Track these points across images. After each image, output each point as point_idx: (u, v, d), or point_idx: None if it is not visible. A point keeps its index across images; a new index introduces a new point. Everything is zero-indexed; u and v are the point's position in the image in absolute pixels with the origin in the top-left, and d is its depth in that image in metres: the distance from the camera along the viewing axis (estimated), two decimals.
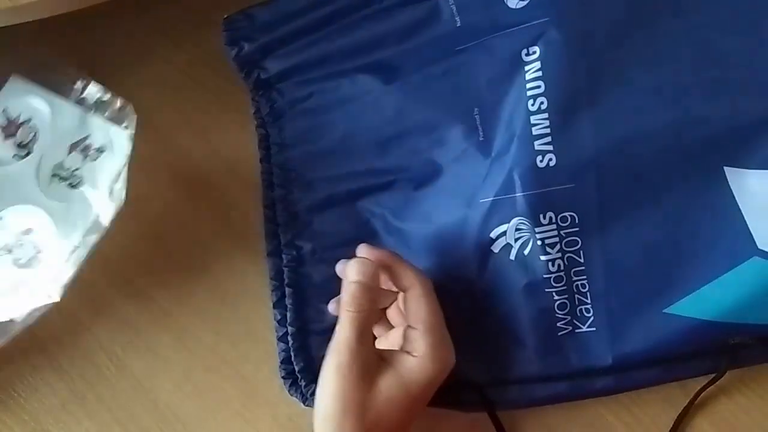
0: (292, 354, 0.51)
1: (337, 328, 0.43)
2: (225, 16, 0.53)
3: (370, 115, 0.52)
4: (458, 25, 0.50)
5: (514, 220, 0.47)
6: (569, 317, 0.47)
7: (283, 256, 0.52)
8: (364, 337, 0.43)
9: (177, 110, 0.58)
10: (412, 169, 0.51)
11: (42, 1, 0.47)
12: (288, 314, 0.51)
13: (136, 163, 0.57)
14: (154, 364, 0.54)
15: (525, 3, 0.47)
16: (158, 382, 0.54)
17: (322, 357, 0.44)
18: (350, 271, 0.44)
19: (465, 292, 0.49)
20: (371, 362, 0.43)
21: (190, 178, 0.57)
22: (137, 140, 0.57)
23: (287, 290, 0.52)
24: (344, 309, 0.43)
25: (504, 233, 0.47)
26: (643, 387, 0.49)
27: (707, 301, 0.45)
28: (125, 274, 0.56)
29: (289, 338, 0.51)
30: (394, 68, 0.52)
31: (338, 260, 0.48)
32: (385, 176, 0.52)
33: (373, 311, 0.44)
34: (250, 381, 0.54)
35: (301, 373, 0.50)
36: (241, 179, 0.56)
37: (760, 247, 0.44)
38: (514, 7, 0.48)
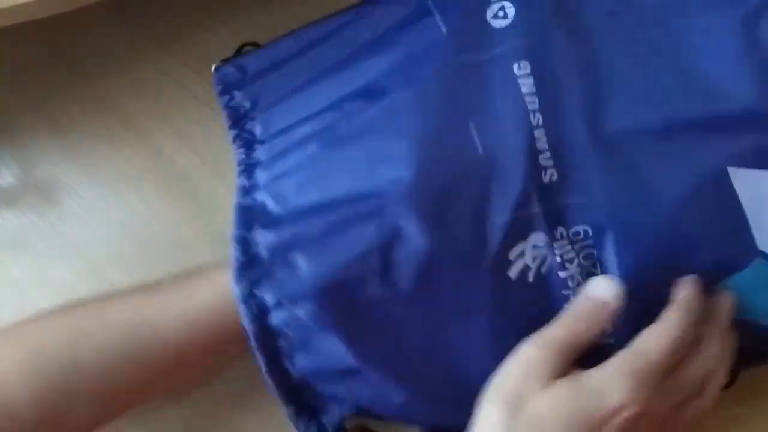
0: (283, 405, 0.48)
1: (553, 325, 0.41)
2: (214, 66, 0.51)
3: (356, 136, 0.47)
4: (444, 32, 0.48)
5: (532, 237, 0.45)
6: None
7: (242, 308, 0.46)
8: (567, 354, 0.39)
9: (161, 114, 0.57)
10: None
11: (24, 5, 0.47)
12: (265, 371, 0.47)
13: (120, 166, 0.57)
14: None
15: (508, 22, 0.47)
16: None
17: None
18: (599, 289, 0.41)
19: (481, 329, 0.46)
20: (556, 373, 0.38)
21: (175, 181, 0.57)
22: (122, 144, 0.57)
23: (255, 350, 0.46)
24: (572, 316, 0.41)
25: (523, 253, 0.45)
26: None
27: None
28: (109, 278, 0.55)
29: (276, 390, 0.47)
30: (382, 88, 0.48)
31: (314, 316, 0.45)
32: (371, 203, 0.46)
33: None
34: (239, 390, 0.53)
35: (298, 416, 0.49)
36: (226, 183, 0.55)
37: (760, 248, 0.44)
38: (497, 26, 0.47)
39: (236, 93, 0.51)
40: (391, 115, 0.47)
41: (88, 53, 0.58)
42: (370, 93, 0.49)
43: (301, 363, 0.47)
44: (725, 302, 0.42)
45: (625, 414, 0.36)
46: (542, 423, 0.36)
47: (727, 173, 0.44)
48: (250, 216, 0.47)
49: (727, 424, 0.50)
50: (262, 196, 0.48)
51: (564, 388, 0.37)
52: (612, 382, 0.37)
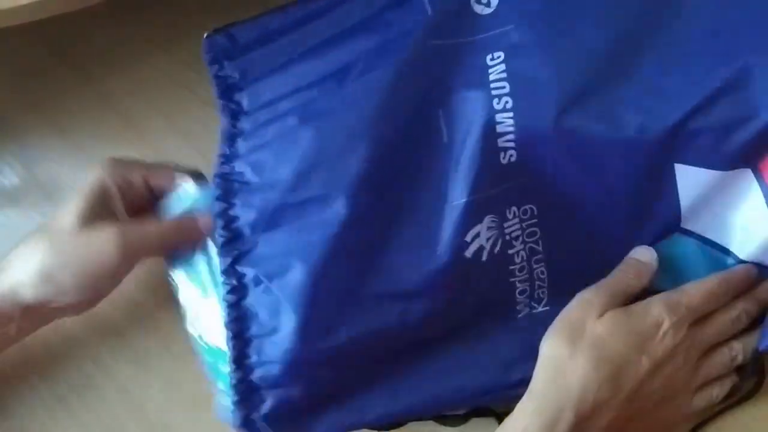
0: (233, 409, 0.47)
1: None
2: (206, 34, 0.51)
3: (331, 113, 0.48)
4: (429, 14, 0.48)
5: (487, 219, 0.47)
6: (528, 300, 0.49)
7: (223, 285, 0.47)
8: (618, 297, 0.45)
9: (163, 115, 0.57)
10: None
11: (24, 6, 0.47)
12: (229, 360, 0.46)
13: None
14: (142, 371, 0.54)
15: (491, 10, 0.48)
16: (146, 389, 0.53)
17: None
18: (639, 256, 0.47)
19: (434, 309, 0.47)
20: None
21: None
22: (124, 143, 0.57)
23: (226, 332, 0.46)
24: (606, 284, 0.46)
25: (478, 234, 0.47)
26: None
27: None
28: None
29: (232, 389, 0.46)
30: (361, 67, 0.49)
31: (291, 293, 0.45)
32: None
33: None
34: None
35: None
36: None
37: (682, 225, 0.48)
38: (480, 13, 0.48)
39: (226, 63, 0.51)
40: (364, 95, 0.48)
41: (90, 54, 0.58)
42: (349, 71, 0.49)
43: (268, 351, 0.46)
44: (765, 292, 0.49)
45: (662, 329, 0.44)
46: (601, 342, 0.43)
47: (673, 168, 0.46)
48: (229, 186, 0.48)
49: None
50: (241, 166, 0.49)
51: (616, 314, 0.44)
52: (653, 306, 0.45)
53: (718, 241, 0.49)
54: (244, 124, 0.50)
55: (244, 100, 0.50)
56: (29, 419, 0.53)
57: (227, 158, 0.49)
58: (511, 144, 0.46)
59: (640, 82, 0.46)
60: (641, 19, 0.47)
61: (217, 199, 0.48)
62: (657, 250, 0.48)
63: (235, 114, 0.50)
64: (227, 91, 0.51)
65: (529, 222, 0.48)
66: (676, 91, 0.45)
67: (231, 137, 0.50)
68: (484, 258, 0.47)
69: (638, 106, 0.45)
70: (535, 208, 0.47)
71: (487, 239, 0.47)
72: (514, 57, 0.46)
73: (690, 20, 0.47)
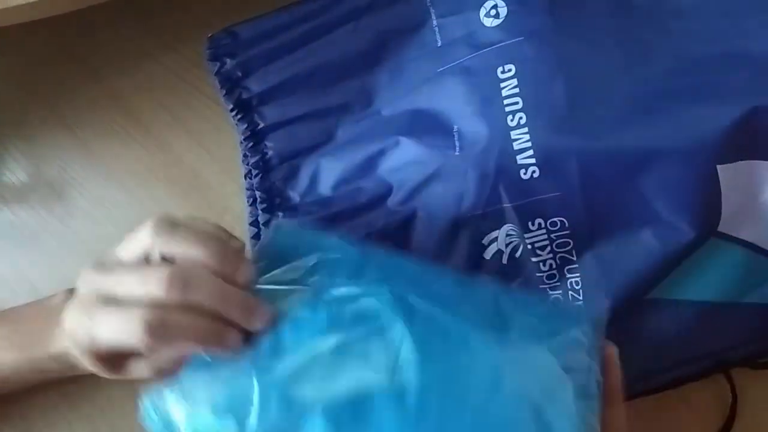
0: None
1: None
2: (210, 35, 0.53)
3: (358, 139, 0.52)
4: (439, 45, 0.50)
5: (505, 227, 0.48)
6: None
7: None
8: None
9: (170, 112, 0.57)
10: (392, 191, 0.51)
11: (34, 3, 0.47)
12: None
13: (129, 163, 0.57)
14: None
15: (500, 21, 0.48)
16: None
17: None
18: None
19: None
20: None
21: (184, 178, 0.57)
22: (131, 141, 0.57)
23: None
24: None
25: (495, 239, 0.48)
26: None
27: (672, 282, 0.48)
28: None
29: None
30: (377, 91, 0.52)
31: None
32: (365, 196, 0.51)
33: None
34: None
35: None
36: (235, 181, 0.56)
37: (719, 229, 0.47)
38: (489, 25, 0.48)
39: (227, 60, 0.53)
40: (386, 121, 0.51)
41: (98, 52, 0.58)
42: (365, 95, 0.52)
43: None
44: None
45: None
46: None
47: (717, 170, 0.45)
48: (272, 203, 0.52)
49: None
50: (278, 186, 0.53)
51: None
52: None
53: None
54: (260, 125, 0.53)
55: (246, 94, 0.53)
56: (37, 417, 0.53)
57: (264, 171, 0.53)
58: (531, 161, 0.46)
59: (642, 80, 0.46)
60: (649, 27, 0.47)
61: (264, 211, 0.52)
62: (694, 260, 0.47)
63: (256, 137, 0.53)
64: (232, 89, 0.53)
65: (560, 233, 0.47)
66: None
67: (255, 138, 0.53)
68: (504, 261, 0.48)
69: (645, 105, 0.46)
70: (566, 221, 0.47)
71: (507, 245, 0.48)
72: (525, 71, 0.47)
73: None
